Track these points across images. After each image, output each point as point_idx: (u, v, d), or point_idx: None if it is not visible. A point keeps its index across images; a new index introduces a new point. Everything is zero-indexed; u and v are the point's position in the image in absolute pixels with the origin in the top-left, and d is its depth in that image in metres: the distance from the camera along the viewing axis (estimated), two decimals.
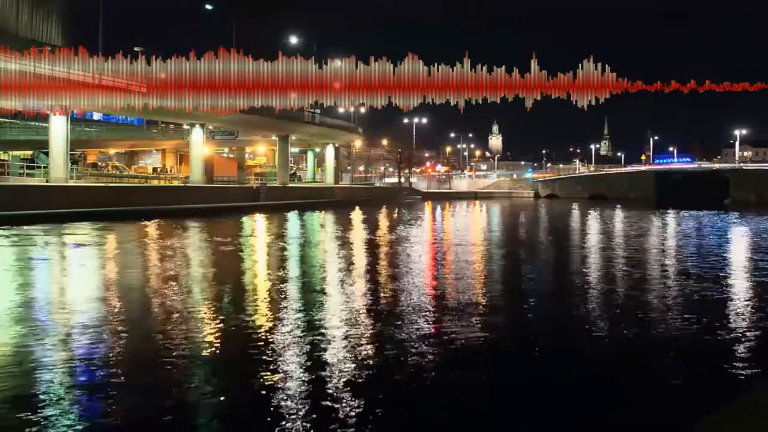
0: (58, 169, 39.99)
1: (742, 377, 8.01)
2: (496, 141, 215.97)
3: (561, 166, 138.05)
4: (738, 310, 11.93)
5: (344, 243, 25.42)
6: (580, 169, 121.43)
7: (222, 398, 7.24)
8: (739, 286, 15.03)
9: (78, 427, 6.23)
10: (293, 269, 18.20)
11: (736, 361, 8.69)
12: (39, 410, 6.56)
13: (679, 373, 8.29)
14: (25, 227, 27.75)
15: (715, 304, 12.49)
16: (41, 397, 6.98)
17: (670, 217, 45.41)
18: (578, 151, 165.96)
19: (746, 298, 13.36)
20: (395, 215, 46.67)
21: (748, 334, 10.08)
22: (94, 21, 43.15)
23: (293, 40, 56.20)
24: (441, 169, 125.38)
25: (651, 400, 7.31)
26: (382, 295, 13.37)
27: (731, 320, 11.08)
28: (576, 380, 8.04)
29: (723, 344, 9.54)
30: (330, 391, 7.24)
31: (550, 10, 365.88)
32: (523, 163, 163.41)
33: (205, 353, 8.86)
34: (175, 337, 9.56)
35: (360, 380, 7.69)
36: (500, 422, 6.79)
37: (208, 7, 54.03)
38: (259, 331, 9.97)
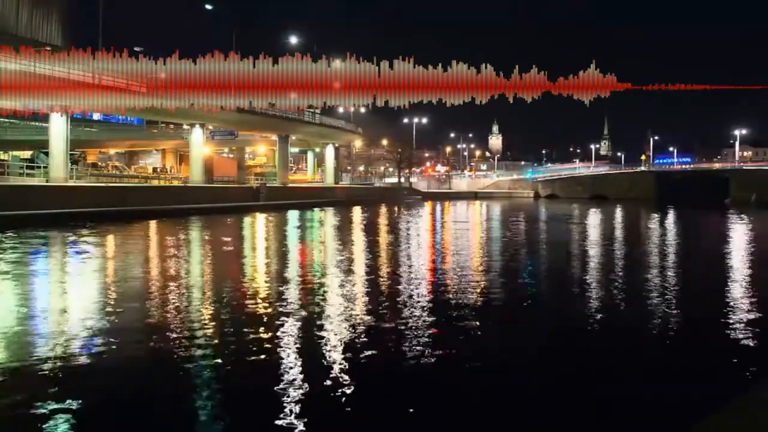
0: (58, 169, 39.96)
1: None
2: (496, 141, 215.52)
3: (561, 166, 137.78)
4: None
5: (343, 244, 25.42)
6: (580, 169, 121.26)
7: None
8: None
9: None
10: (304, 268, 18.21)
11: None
12: None
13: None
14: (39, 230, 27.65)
15: None
16: None
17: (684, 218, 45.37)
18: (578, 151, 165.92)
19: None
20: (395, 215, 46.82)
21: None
22: (94, 21, 43.14)
23: (293, 39, 56.16)
24: (441, 169, 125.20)
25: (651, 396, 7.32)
26: None
27: None
28: (574, 370, 8.08)
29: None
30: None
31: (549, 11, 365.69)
32: (523, 163, 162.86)
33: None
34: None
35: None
36: None
37: (209, 7, 54.04)
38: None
